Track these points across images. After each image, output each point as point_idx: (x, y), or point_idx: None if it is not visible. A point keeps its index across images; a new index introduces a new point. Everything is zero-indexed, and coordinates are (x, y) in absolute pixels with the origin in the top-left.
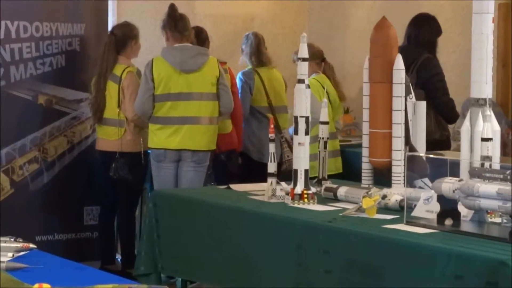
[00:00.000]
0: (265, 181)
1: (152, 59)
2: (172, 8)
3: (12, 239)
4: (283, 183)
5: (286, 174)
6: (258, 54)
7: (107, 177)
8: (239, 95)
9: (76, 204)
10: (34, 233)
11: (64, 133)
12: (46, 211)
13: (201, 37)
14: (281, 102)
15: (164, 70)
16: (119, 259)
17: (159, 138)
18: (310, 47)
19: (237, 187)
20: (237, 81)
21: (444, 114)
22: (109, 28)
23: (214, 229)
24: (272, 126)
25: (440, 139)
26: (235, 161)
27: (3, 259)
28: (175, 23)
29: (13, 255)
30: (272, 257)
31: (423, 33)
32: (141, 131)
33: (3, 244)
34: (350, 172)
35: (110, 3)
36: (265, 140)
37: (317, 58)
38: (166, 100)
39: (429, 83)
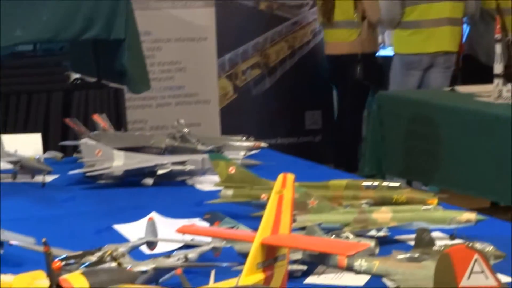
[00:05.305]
0: (491, 83)
1: None
2: None
3: (244, 138)
4: (510, 85)
5: None
6: None
7: (339, 81)
8: None
9: (297, 109)
10: (256, 137)
11: (285, 39)
12: (268, 116)
13: None
14: (508, 3)
15: None
16: None
17: (413, 43)
18: None
19: (462, 88)
20: None
21: None
22: None
23: (439, 130)
24: (498, 26)
25: None
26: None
27: (238, 156)
28: None
29: (245, 154)
30: (496, 158)
31: None
32: (374, 31)
33: (237, 143)
34: None
35: None
36: (492, 42)
37: None
38: (418, 3)
39: None
